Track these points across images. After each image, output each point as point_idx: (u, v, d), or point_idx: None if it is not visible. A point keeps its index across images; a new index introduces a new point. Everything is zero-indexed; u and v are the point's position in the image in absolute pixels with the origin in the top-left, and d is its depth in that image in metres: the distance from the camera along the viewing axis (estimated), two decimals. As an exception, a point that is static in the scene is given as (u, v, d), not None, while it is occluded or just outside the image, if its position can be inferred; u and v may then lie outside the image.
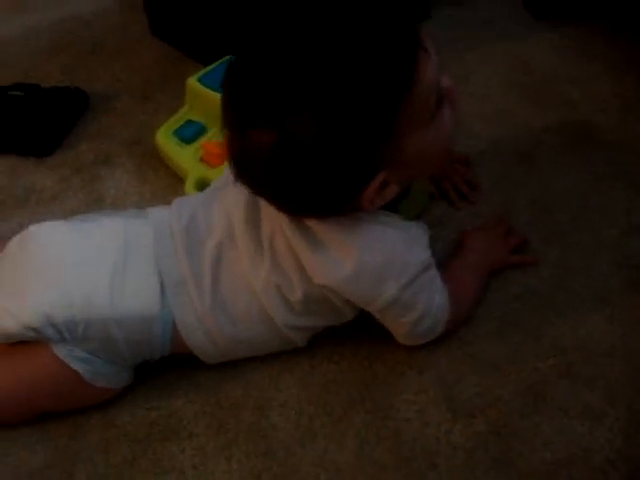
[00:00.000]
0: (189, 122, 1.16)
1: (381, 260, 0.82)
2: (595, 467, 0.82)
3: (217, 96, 1.10)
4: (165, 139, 1.15)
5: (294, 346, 0.92)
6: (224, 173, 0.94)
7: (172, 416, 0.91)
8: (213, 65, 1.18)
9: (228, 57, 1.18)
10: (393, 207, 0.84)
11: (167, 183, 1.15)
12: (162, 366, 0.92)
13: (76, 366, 0.86)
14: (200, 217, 0.91)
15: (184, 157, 1.13)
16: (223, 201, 0.90)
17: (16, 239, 0.92)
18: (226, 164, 1.06)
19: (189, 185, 1.09)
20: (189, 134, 1.14)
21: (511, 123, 1.16)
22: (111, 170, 1.18)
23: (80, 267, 0.87)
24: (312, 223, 0.82)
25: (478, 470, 0.83)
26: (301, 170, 0.75)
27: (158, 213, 0.94)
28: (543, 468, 0.83)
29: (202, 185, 1.08)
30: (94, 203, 1.14)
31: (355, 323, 0.92)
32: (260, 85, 0.74)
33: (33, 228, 0.92)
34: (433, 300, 0.87)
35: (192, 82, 1.16)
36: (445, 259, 0.97)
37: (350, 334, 0.94)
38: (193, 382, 0.93)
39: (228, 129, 0.78)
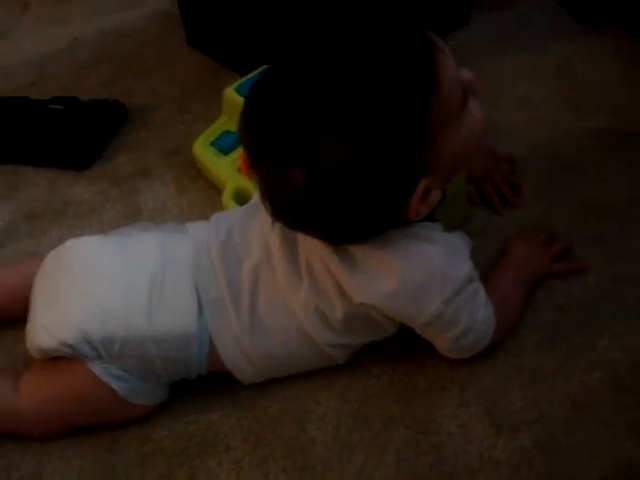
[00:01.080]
0: (226, 132, 1.15)
1: (422, 276, 0.80)
2: (645, 484, 0.79)
3: (254, 106, 1.12)
4: (202, 150, 1.15)
5: (334, 364, 0.90)
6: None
7: (209, 430, 0.89)
8: (250, 75, 1.16)
9: (265, 67, 1.17)
10: (431, 215, 0.82)
11: (205, 194, 1.14)
12: (199, 381, 0.91)
13: (112, 383, 0.85)
14: (237, 235, 0.89)
15: (221, 168, 1.12)
16: (260, 221, 0.88)
17: (53, 254, 0.92)
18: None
19: (227, 196, 1.08)
20: (226, 145, 1.13)
21: (553, 129, 1.14)
22: (149, 182, 1.18)
23: (117, 283, 0.87)
24: (350, 245, 0.81)
25: (522, 487, 0.81)
26: (341, 201, 0.74)
27: (197, 229, 0.93)
28: (590, 486, 0.80)
29: (240, 196, 1.07)
30: (132, 215, 1.14)
31: (395, 336, 0.90)
32: (280, 123, 0.73)
33: (70, 243, 0.92)
34: (477, 314, 0.84)
35: (229, 92, 1.15)
36: (488, 270, 0.94)
37: (390, 348, 0.92)
38: (230, 396, 0.91)
39: (257, 172, 0.77)
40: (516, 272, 0.93)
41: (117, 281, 0.87)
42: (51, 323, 0.85)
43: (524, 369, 0.89)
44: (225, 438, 0.89)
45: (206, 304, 0.86)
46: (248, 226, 0.89)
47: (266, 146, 0.74)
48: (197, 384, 0.91)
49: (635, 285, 0.94)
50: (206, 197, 1.13)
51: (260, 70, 1.16)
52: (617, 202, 1.04)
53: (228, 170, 1.11)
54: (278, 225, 0.85)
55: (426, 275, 0.80)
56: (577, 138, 1.12)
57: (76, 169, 1.22)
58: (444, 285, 0.81)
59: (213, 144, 1.14)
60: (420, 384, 0.90)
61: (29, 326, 0.88)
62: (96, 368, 0.85)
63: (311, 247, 0.83)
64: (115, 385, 0.85)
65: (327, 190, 0.73)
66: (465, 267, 0.83)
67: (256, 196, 0.93)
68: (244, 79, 1.16)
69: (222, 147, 1.13)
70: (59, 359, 0.87)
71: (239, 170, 1.10)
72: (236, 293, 0.86)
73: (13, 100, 1.30)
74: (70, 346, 0.84)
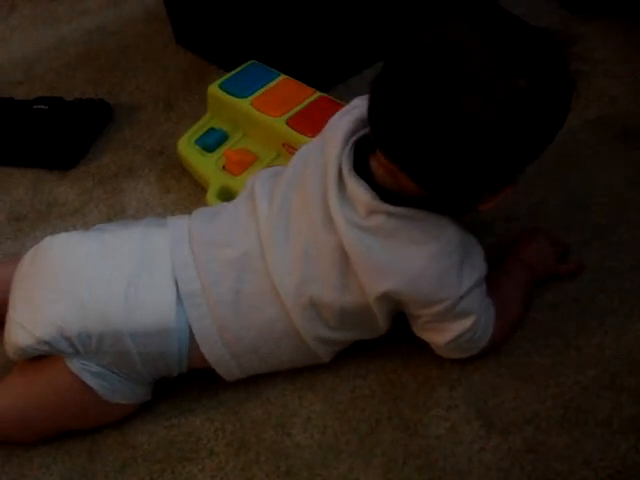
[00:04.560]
0: (211, 130, 1.13)
1: (448, 263, 0.79)
2: (641, 486, 0.76)
3: (238, 102, 1.10)
4: (187, 148, 1.12)
5: (318, 362, 0.88)
6: (248, 181, 0.91)
7: (192, 434, 0.87)
8: (234, 72, 1.15)
9: (249, 63, 1.15)
10: None
11: (189, 193, 1.12)
12: (182, 384, 0.89)
13: (90, 381, 0.83)
14: (223, 225, 0.87)
15: (206, 166, 1.10)
16: (249, 209, 0.87)
17: (31, 252, 0.90)
18: (248, 173, 1.04)
19: (211, 194, 1.05)
20: (211, 142, 1.11)
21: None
22: (134, 181, 1.16)
23: (94, 278, 0.85)
24: (376, 224, 0.79)
25: (514, 490, 0.78)
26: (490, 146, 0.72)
27: (177, 222, 0.90)
28: (584, 488, 0.77)
29: (224, 194, 1.05)
30: (116, 215, 1.11)
31: (383, 336, 0.87)
32: None
33: (47, 239, 0.90)
34: (481, 314, 0.83)
35: (213, 89, 1.13)
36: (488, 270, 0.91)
37: (378, 347, 0.89)
38: (213, 400, 0.89)
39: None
40: (519, 274, 0.90)
41: (94, 276, 0.84)
42: (28, 321, 0.83)
43: (515, 368, 0.87)
44: (208, 443, 0.86)
45: (186, 297, 0.84)
46: (236, 218, 0.87)
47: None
48: (180, 386, 0.89)
49: (630, 280, 0.91)
50: (190, 196, 1.11)
51: (244, 66, 1.14)
52: (612, 195, 1.01)
53: (213, 168, 1.09)
54: (270, 212, 0.84)
55: (450, 263, 0.80)
56: (571, 130, 1.09)
57: (60, 169, 1.20)
58: (465, 278, 0.80)
59: (198, 142, 1.12)
60: (409, 384, 0.87)
61: (7, 326, 0.86)
62: (74, 365, 0.83)
63: (312, 234, 0.81)
64: (94, 383, 0.83)
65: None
66: (483, 265, 0.83)
67: (242, 191, 0.91)
68: (228, 75, 1.14)
69: (207, 145, 1.11)
70: (38, 360, 0.85)
71: (224, 168, 1.08)
72: (219, 284, 0.84)
73: (-2, 101, 1.29)
74: (47, 343, 0.82)
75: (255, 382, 0.89)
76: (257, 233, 0.84)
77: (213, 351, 0.85)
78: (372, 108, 0.77)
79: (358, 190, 0.79)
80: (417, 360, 0.88)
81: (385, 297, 0.80)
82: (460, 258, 0.80)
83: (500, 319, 0.85)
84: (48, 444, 0.88)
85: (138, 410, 0.88)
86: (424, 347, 0.86)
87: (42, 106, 1.25)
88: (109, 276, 0.84)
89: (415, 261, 0.79)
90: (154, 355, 0.84)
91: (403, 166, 0.75)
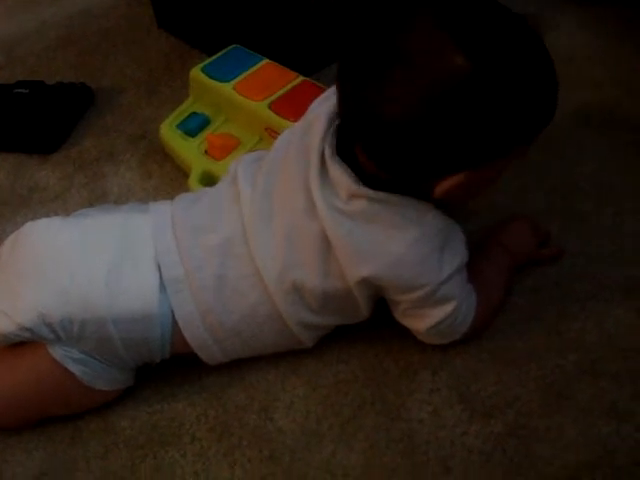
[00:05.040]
0: (193, 114, 1.12)
1: (428, 249, 0.79)
2: (621, 469, 0.77)
3: (220, 86, 1.09)
4: (169, 132, 1.12)
5: (301, 347, 0.88)
6: (230, 166, 0.90)
7: (174, 420, 0.87)
8: (217, 55, 1.14)
9: (232, 47, 1.14)
10: None
11: (171, 178, 1.11)
12: (164, 369, 0.89)
13: (72, 368, 0.83)
14: (205, 211, 0.87)
15: (188, 150, 1.09)
16: (231, 194, 0.86)
17: (11, 238, 0.89)
18: (231, 157, 1.03)
19: (193, 179, 1.05)
20: (193, 126, 1.10)
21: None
22: (115, 166, 1.15)
23: (76, 264, 0.84)
24: (357, 208, 0.78)
25: (495, 474, 0.78)
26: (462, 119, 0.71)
27: (159, 207, 0.90)
28: (565, 472, 0.77)
29: (206, 179, 1.04)
30: (98, 200, 1.11)
31: (365, 321, 0.87)
32: None
33: (28, 225, 0.89)
34: (462, 300, 0.83)
35: (195, 72, 1.13)
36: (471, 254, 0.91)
37: (360, 332, 0.89)
38: (196, 385, 0.89)
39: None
40: (500, 260, 0.90)
41: (75, 262, 0.84)
42: (9, 307, 0.82)
43: (497, 353, 0.87)
44: (191, 428, 0.86)
45: (168, 282, 0.83)
46: (218, 202, 0.87)
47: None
48: (162, 371, 0.89)
49: (611, 265, 0.92)
50: (172, 181, 1.11)
51: (227, 50, 1.14)
52: (594, 181, 1.01)
53: (195, 153, 1.08)
54: (253, 194, 0.83)
55: (430, 249, 0.79)
56: (558, 115, 1.09)
57: (41, 154, 1.19)
58: (446, 264, 0.80)
59: (180, 126, 1.11)
60: (391, 369, 0.87)
61: None
62: (56, 352, 0.82)
63: (294, 218, 0.81)
64: (76, 369, 0.83)
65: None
66: (465, 252, 0.83)
67: (225, 175, 0.90)
68: (211, 59, 1.14)
69: (189, 129, 1.10)
70: (20, 346, 0.84)
71: (206, 152, 1.08)
72: (202, 269, 0.83)
73: (-23, 85, 1.27)
74: (29, 329, 0.81)
75: (238, 367, 0.89)
76: (240, 218, 0.84)
77: (196, 336, 0.84)
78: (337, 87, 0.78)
79: (339, 174, 0.79)
80: (399, 345, 0.88)
81: (365, 282, 0.80)
82: (441, 244, 0.80)
83: (481, 304, 0.85)
84: (30, 430, 0.88)
85: (121, 395, 0.88)
86: (406, 332, 0.86)
87: (23, 90, 1.24)
88: (91, 262, 0.84)
89: (395, 246, 0.78)
90: (137, 341, 0.83)
91: (361, 145, 0.77)
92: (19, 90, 1.24)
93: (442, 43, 0.70)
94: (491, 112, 0.71)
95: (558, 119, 1.08)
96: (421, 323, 0.84)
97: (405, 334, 0.87)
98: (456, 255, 0.82)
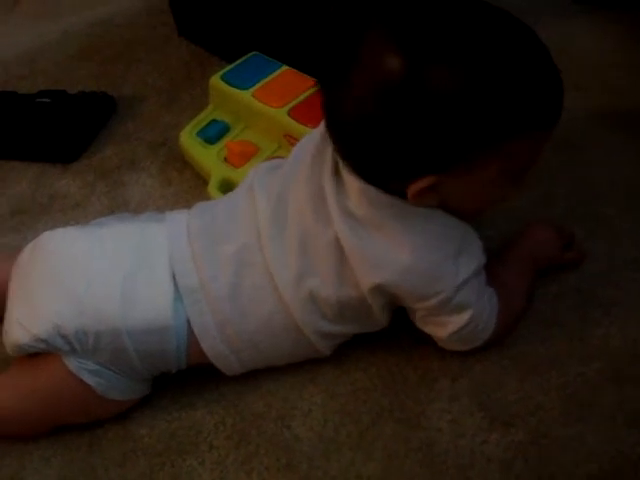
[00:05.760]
0: (213, 122, 1.12)
1: (438, 255, 0.78)
2: (645, 480, 0.75)
3: (239, 93, 1.09)
4: (189, 140, 1.12)
5: (318, 356, 0.87)
6: (248, 174, 0.90)
7: (192, 428, 0.86)
8: (236, 62, 1.14)
9: (251, 54, 1.14)
10: None
11: (191, 185, 1.11)
12: (182, 377, 0.88)
13: (88, 379, 0.82)
14: (221, 219, 0.86)
15: (207, 158, 1.09)
16: (248, 203, 0.86)
17: (28, 247, 0.89)
18: (250, 165, 1.03)
19: (212, 186, 1.05)
20: (213, 134, 1.10)
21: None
22: (136, 174, 1.15)
23: (91, 275, 0.83)
24: (367, 213, 0.78)
25: (516, 484, 0.77)
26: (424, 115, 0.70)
27: (175, 216, 0.89)
28: (588, 481, 0.76)
29: (225, 186, 1.04)
30: (118, 208, 1.10)
31: (384, 329, 0.86)
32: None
33: (45, 235, 0.89)
34: (484, 303, 0.82)
35: (215, 80, 1.13)
36: (490, 260, 0.89)
37: (379, 340, 0.88)
38: (214, 393, 0.88)
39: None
40: (523, 264, 0.89)
41: (90, 273, 0.83)
42: (25, 318, 0.82)
43: (519, 360, 0.86)
44: (208, 436, 0.85)
45: (184, 292, 0.83)
46: (234, 210, 0.86)
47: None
48: (180, 379, 0.88)
49: (634, 270, 0.90)
50: (192, 188, 1.10)
51: (246, 57, 1.14)
52: (617, 185, 0.99)
53: (214, 160, 1.08)
54: (268, 201, 0.83)
55: (442, 256, 0.78)
56: (576, 119, 1.07)
57: (63, 162, 1.19)
58: (458, 270, 0.79)
59: (199, 134, 1.11)
60: (410, 377, 0.86)
61: (6, 323, 0.85)
62: (71, 363, 0.82)
63: (307, 224, 0.80)
64: (91, 381, 0.82)
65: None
66: (480, 256, 0.81)
67: (242, 182, 0.90)
68: (230, 67, 1.14)
69: (208, 137, 1.10)
70: (36, 356, 0.84)
71: (225, 160, 1.07)
72: (217, 279, 0.83)
73: (0, 95, 1.28)
74: (44, 341, 0.81)
75: (256, 375, 0.88)
76: (255, 226, 0.83)
77: (212, 346, 0.84)
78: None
79: (351, 179, 0.78)
80: (418, 353, 0.87)
81: (379, 290, 0.79)
82: (455, 249, 0.79)
83: (503, 310, 0.84)
84: (48, 437, 0.87)
85: (139, 403, 0.88)
86: (425, 340, 0.86)
87: (45, 99, 1.24)
88: (106, 273, 0.83)
89: (404, 254, 0.77)
90: (152, 352, 0.83)
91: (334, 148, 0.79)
92: (41, 99, 1.24)
93: (386, 45, 0.70)
94: (432, 114, 0.70)
95: (581, 123, 1.07)
96: (442, 330, 0.83)
97: (424, 341, 0.86)
98: (472, 259, 0.80)
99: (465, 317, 0.81)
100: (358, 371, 0.88)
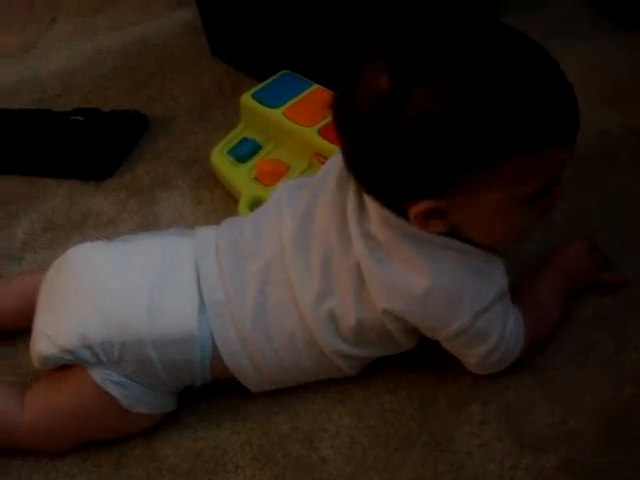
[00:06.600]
0: (244, 140, 1.12)
1: (454, 284, 0.77)
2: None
3: (270, 112, 1.09)
4: (220, 158, 1.12)
5: (344, 375, 0.86)
6: (275, 191, 0.90)
7: (218, 448, 0.85)
8: (267, 81, 1.14)
9: (282, 72, 1.15)
10: None
11: (222, 204, 1.11)
12: (209, 396, 0.88)
13: (113, 391, 0.83)
14: (249, 236, 0.86)
15: (238, 176, 1.09)
16: (274, 219, 0.86)
17: (56, 263, 0.90)
18: (279, 184, 1.03)
19: (242, 205, 1.05)
20: (243, 152, 1.10)
21: (585, 127, 1.06)
22: (167, 192, 1.16)
23: (116, 286, 0.84)
24: (385, 236, 0.77)
25: (546, 511, 0.75)
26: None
27: (204, 232, 0.90)
28: (621, 510, 0.74)
29: (256, 205, 1.03)
30: (149, 226, 1.11)
31: (413, 349, 0.85)
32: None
33: (72, 250, 0.90)
34: (507, 330, 0.80)
35: (245, 98, 1.13)
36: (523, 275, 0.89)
37: (409, 360, 0.87)
38: (241, 412, 0.88)
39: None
40: (555, 282, 0.88)
41: (116, 284, 0.84)
42: (51, 330, 0.83)
43: (551, 383, 0.84)
44: (234, 456, 0.85)
45: (209, 306, 0.83)
46: (260, 227, 0.87)
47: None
48: (207, 398, 0.88)
49: (671, 294, 0.88)
50: (223, 207, 1.10)
51: (277, 76, 1.14)
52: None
53: (245, 179, 1.08)
54: (293, 220, 0.83)
55: (458, 284, 0.77)
56: (613, 137, 1.06)
57: (95, 180, 1.20)
58: (476, 297, 0.77)
59: (230, 152, 1.12)
60: (439, 400, 0.85)
61: (33, 336, 0.86)
62: (97, 375, 0.82)
63: (330, 242, 0.80)
64: (116, 393, 0.82)
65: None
66: (500, 282, 0.79)
67: (277, 192, 0.90)
68: (261, 85, 1.14)
69: (239, 155, 1.10)
70: (62, 370, 0.84)
71: (256, 178, 1.07)
72: (242, 294, 0.83)
73: (35, 112, 1.30)
74: (70, 352, 0.82)
75: (283, 395, 0.87)
76: (280, 244, 0.83)
77: (235, 361, 0.84)
78: None
79: (369, 200, 0.78)
80: (448, 375, 0.86)
81: (392, 315, 0.79)
82: (473, 274, 0.77)
83: (535, 329, 0.83)
84: (74, 454, 0.87)
85: (165, 422, 0.87)
86: (455, 362, 0.84)
87: (78, 117, 1.26)
88: (131, 284, 0.84)
89: (422, 282, 0.76)
90: (177, 364, 0.83)
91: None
92: (75, 117, 1.26)
93: (377, 64, 0.71)
94: (415, 134, 0.69)
95: (617, 139, 1.05)
96: (468, 358, 0.82)
97: (455, 364, 0.84)
98: (492, 285, 0.78)
99: (487, 346, 0.79)
100: (387, 393, 0.86)
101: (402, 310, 0.78)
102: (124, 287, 0.84)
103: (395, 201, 0.76)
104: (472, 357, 0.81)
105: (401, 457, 0.81)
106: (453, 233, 0.77)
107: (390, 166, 0.72)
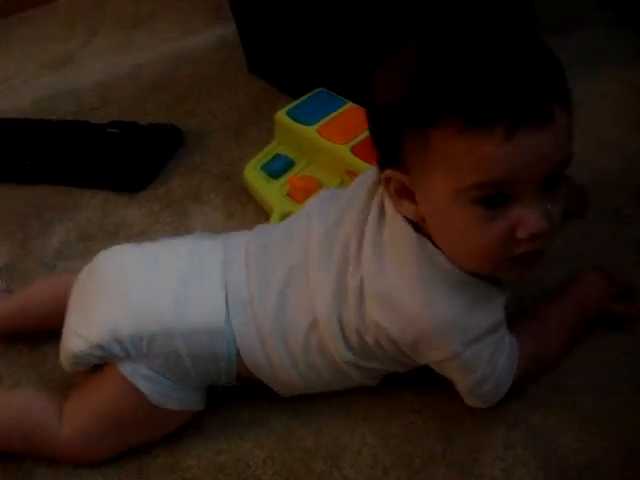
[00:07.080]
0: (277, 156, 1.13)
1: (446, 314, 0.77)
2: None
3: (304, 129, 1.10)
4: (253, 174, 1.13)
5: (361, 385, 0.86)
6: (309, 201, 0.92)
7: (240, 461, 0.86)
8: (302, 98, 1.15)
9: (317, 90, 1.15)
10: None
11: (253, 219, 1.12)
12: (233, 408, 0.89)
13: (141, 385, 0.84)
14: (279, 239, 0.88)
15: (270, 192, 1.09)
16: (304, 226, 0.87)
17: (86, 268, 0.92)
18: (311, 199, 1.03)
19: (274, 220, 1.06)
20: (276, 168, 1.11)
21: (622, 155, 1.07)
22: (200, 205, 1.17)
23: (145, 281, 0.86)
24: (392, 240, 0.79)
25: (570, 540, 0.74)
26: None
27: (236, 237, 0.92)
28: (646, 541, 0.73)
29: (287, 220, 1.04)
30: (181, 238, 1.12)
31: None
32: None
33: (101, 253, 0.92)
34: (497, 362, 0.80)
35: (280, 115, 1.14)
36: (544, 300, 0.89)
37: (434, 381, 0.86)
38: (264, 426, 0.88)
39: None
40: (566, 313, 0.87)
41: (145, 279, 0.86)
42: (82, 327, 0.85)
43: (579, 410, 0.83)
44: (256, 470, 0.85)
45: (233, 305, 0.84)
46: (292, 230, 0.88)
47: None
48: (231, 411, 0.89)
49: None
50: (254, 221, 1.09)
51: (312, 93, 1.15)
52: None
53: (277, 195, 1.09)
54: (322, 226, 0.84)
55: (451, 315, 0.77)
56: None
57: (129, 191, 1.21)
58: (467, 328, 0.77)
59: (263, 168, 1.12)
60: (465, 422, 0.84)
61: (63, 337, 0.88)
62: (126, 369, 0.83)
63: (353, 254, 0.81)
64: (145, 387, 0.83)
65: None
66: (495, 314, 0.79)
67: (310, 202, 0.91)
68: (296, 102, 1.15)
69: (272, 171, 1.11)
70: (94, 373, 0.86)
71: (288, 194, 1.08)
72: (265, 295, 0.84)
73: (73, 124, 1.32)
74: (100, 347, 0.83)
75: (307, 410, 0.88)
76: (306, 248, 0.85)
77: (255, 362, 0.85)
78: None
79: (388, 204, 0.80)
80: (475, 397, 0.86)
81: (384, 332, 0.79)
82: (467, 307, 0.77)
83: (532, 357, 0.83)
84: (98, 463, 0.87)
85: (188, 432, 0.88)
86: (482, 384, 0.84)
87: (115, 130, 1.28)
88: (159, 281, 0.86)
89: (415, 301, 0.77)
90: (204, 356, 0.84)
91: None
92: (111, 130, 1.28)
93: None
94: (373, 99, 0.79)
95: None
96: (458, 385, 0.82)
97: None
98: (486, 315, 0.78)
99: (476, 377, 0.79)
100: (411, 413, 0.86)
101: (389, 322, 0.78)
102: (152, 281, 0.86)
103: (381, 171, 0.78)
104: (461, 386, 0.81)
105: (424, 478, 0.81)
106: (421, 231, 0.77)
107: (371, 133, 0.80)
